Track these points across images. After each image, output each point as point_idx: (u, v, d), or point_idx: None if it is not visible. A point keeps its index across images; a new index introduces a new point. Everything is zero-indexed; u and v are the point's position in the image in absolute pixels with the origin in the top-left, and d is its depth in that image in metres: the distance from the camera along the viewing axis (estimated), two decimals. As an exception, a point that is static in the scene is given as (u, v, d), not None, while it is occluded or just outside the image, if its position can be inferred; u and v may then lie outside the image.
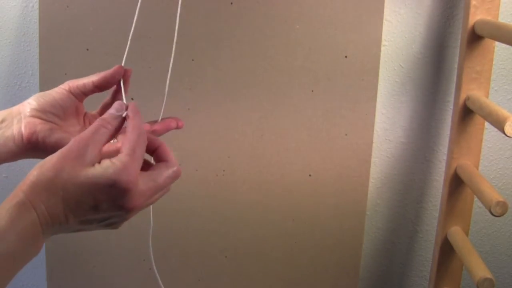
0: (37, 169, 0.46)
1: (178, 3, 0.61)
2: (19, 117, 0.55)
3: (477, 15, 0.84)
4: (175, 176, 0.51)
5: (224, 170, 0.95)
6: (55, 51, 0.89)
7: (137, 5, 0.62)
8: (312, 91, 0.92)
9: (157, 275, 0.65)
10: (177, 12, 0.61)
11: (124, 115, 0.51)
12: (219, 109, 0.93)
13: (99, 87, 0.59)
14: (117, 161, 0.46)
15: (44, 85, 0.90)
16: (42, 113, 0.56)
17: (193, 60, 0.90)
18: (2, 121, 0.55)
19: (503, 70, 0.96)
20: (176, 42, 0.62)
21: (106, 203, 0.46)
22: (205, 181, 0.96)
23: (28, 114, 0.55)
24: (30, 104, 0.56)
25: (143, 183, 0.47)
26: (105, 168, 0.45)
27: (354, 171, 0.95)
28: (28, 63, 0.94)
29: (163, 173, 0.50)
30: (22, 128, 0.55)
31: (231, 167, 0.95)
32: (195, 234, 0.98)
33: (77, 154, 0.46)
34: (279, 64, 0.91)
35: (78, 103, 0.59)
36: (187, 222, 0.98)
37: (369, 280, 1.09)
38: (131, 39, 0.59)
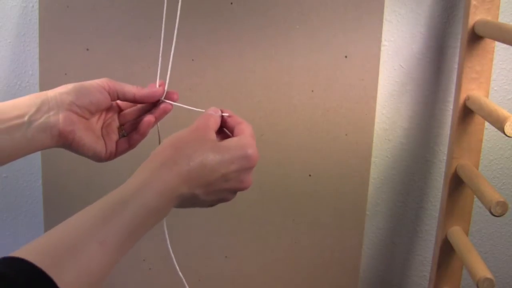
0: (174, 141, 0.50)
1: (178, 3, 0.61)
2: (56, 110, 0.54)
3: (477, 15, 0.84)
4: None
5: (224, 170, 0.95)
6: (55, 51, 0.89)
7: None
8: (312, 91, 0.92)
9: (176, 266, 0.65)
10: (177, 12, 0.61)
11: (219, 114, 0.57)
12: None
13: (138, 101, 0.60)
14: (242, 138, 0.52)
15: (44, 85, 0.90)
16: (80, 108, 0.56)
17: (193, 60, 0.90)
18: (38, 110, 0.54)
19: (503, 70, 0.96)
20: (176, 42, 0.62)
21: (234, 173, 0.51)
22: (205, 181, 0.95)
23: (66, 107, 0.55)
24: (69, 95, 0.55)
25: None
26: (236, 141, 0.52)
27: (354, 171, 0.95)
28: (28, 63, 0.94)
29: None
30: (60, 123, 0.54)
31: (231, 167, 0.95)
32: (195, 234, 0.98)
33: (205, 131, 0.52)
34: (279, 64, 0.91)
35: (109, 103, 0.59)
36: (187, 222, 0.98)
37: (369, 280, 1.09)
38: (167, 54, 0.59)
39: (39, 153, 0.98)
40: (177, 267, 0.65)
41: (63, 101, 0.55)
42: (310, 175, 0.96)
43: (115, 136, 0.61)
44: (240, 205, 0.97)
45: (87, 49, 0.89)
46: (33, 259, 0.37)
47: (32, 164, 1.00)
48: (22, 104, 0.54)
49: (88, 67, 0.90)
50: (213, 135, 0.53)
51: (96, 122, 0.59)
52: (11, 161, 0.55)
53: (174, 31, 0.62)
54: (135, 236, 0.44)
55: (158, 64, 0.63)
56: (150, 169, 0.47)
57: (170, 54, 0.62)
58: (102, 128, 0.60)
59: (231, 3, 0.89)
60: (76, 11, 0.88)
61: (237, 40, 0.90)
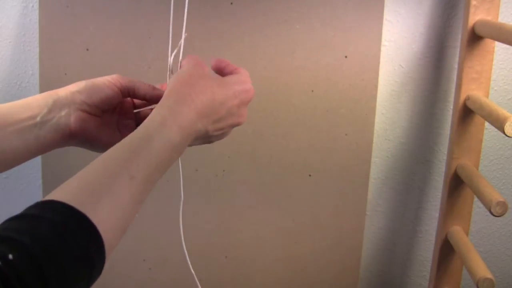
0: (185, 79, 0.51)
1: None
2: (68, 110, 0.54)
3: (477, 15, 0.84)
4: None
5: (224, 170, 0.95)
6: (55, 51, 0.89)
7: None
8: (312, 91, 0.92)
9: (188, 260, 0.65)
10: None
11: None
12: (219, 109, 0.93)
13: (148, 101, 0.60)
14: (239, 74, 0.55)
15: (44, 85, 0.90)
16: (91, 107, 0.55)
17: (193, 60, 0.90)
18: (49, 110, 0.54)
19: (503, 70, 0.96)
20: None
21: (235, 108, 0.53)
22: (205, 181, 0.96)
23: (78, 107, 0.55)
24: (80, 94, 0.55)
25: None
26: (235, 76, 0.54)
27: (354, 171, 0.95)
28: (28, 63, 0.94)
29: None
30: (72, 123, 0.54)
31: (231, 167, 0.95)
32: (195, 234, 0.98)
33: (203, 69, 0.53)
34: (279, 64, 0.91)
35: (121, 100, 0.59)
36: (187, 222, 0.98)
37: (369, 280, 1.09)
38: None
39: (39, 153, 0.98)
40: (190, 263, 0.65)
41: (75, 101, 0.55)
42: (310, 175, 0.96)
43: (133, 127, 0.60)
44: (240, 205, 0.97)
45: (87, 49, 0.89)
46: (65, 199, 0.38)
47: (32, 164, 1.00)
48: (34, 104, 0.53)
49: (88, 67, 0.90)
50: (212, 71, 0.55)
51: (111, 116, 0.59)
52: (24, 162, 0.55)
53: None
54: (160, 171, 0.46)
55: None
56: (168, 106, 0.48)
57: (170, 54, 0.62)
58: (118, 121, 0.60)
59: (231, 3, 0.89)
60: (76, 11, 0.88)
61: (237, 40, 0.90)
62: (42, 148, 0.54)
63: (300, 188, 0.96)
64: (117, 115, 0.60)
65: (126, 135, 0.59)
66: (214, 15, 0.89)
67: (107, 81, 0.57)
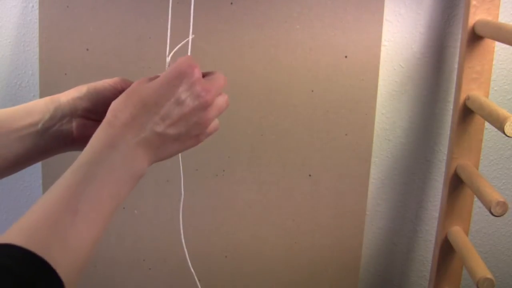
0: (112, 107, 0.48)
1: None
2: (69, 117, 0.54)
3: (477, 15, 0.84)
4: (224, 78, 0.52)
5: (224, 170, 0.95)
6: (55, 51, 0.89)
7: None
8: (312, 91, 0.92)
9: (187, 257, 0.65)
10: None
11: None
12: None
13: None
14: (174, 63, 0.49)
15: (44, 85, 0.90)
16: (93, 113, 0.55)
17: (193, 60, 0.90)
18: (51, 117, 0.53)
19: (503, 70, 0.96)
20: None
21: (185, 93, 0.47)
22: (205, 181, 0.96)
23: (79, 114, 0.54)
24: (82, 101, 0.54)
25: (204, 79, 0.50)
26: (169, 68, 0.48)
27: (354, 171, 0.95)
28: (28, 63, 0.94)
29: (215, 74, 0.52)
30: (74, 130, 0.54)
31: (231, 167, 0.95)
32: (195, 234, 0.98)
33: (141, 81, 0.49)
34: (279, 64, 0.91)
35: None
36: (187, 222, 0.98)
37: (369, 280, 1.09)
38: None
39: (39, 153, 0.98)
40: (190, 263, 0.65)
41: (76, 108, 0.54)
42: (310, 175, 0.96)
43: None
44: (240, 205, 0.97)
45: (87, 49, 0.89)
46: (21, 242, 0.37)
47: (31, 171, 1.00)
48: (35, 110, 0.53)
49: (88, 67, 0.90)
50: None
51: None
52: (25, 168, 0.54)
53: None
54: (109, 201, 0.43)
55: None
56: (97, 132, 0.47)
57: (182, 54, 0.62)
58: None
59: (231, 3, 0.89)
60: (76, 11, 0.88)
61: (237, 40, 0.90)
62: (43, 154, 0.54)
63: (300, 188, 0.96)
64: None
65: None
66: (214, 15, 0.89)
67: (109, 85, 0.56)
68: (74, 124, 0.54)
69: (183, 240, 0.64)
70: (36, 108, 0.53)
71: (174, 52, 0.60)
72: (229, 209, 0.97)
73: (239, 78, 0.91)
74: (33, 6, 0.91)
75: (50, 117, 0.53)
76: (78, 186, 0.42)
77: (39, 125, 0.53)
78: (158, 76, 0.49)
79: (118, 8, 0.88)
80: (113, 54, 0.89)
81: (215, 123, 0.53)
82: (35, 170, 1.00)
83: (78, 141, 0.55)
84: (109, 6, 0.88)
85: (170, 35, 0.62)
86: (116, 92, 0.56)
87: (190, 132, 0.49)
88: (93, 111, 0.55)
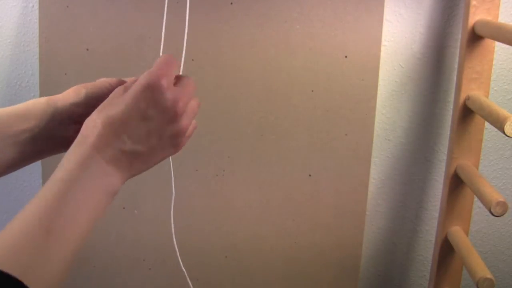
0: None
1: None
2: (66, 122, 0.53)
3: (477, 15, 0.84)
4: (193, 84, 0.51)
5: (224, 170, 0.95)
6: (55, 51, 0.89)
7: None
8: (312, 91, 0.92)
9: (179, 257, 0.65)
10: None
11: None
12: (219, 109, 0.93)
13: None
14: (144, 73, 0.47)
15: (44, 85, 0.90)
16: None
17: (193, 60, 0.90)
18: (47, 123, 0.53)
19: (503, 70, 0.96)
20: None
21: (152, 109, 0.46)
22: (205, 181, 0.96)
23: (76, 119, 0.54)
24: (79, 107, 0.53)
25: (174, 87, 0.48)
26: (136, 81, 0.47)
27: (354, 171, 0.95)
28: (28, 63, 0.94)
29: (184, 79, 0.50)
30: (69, 134, 0.53)
31: (231, 167, 0.95)
32: (195, 234, 0.98)
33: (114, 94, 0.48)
34: (279, 64, 0.91)
35: None
36: (187, 222, 0.98)
37: (369, 280, 1.09)
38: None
39: (39, 153, 0.98)
40: (181, 262, 0.65)
41: (73, 113, 0.54)
42: (310, 175, 0.96)
43: None
44: (240, 205, 0.97)
45: (87, 49, 0.89)
46: None
47: (32, 164, 1.00)
48: (31, 115, 0.53)
49: (88, 67, 0.90)
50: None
51: None
52: (20, 168, 0.54)
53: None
54: (83, 219, 0.43)
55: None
56: (72, 150, 0.46)
57: (180, 54, 0.62)
58: None
59: (231, 3, 0.89)
60: (76, 11, 0.88)
61: (237, 40, 0.90)
62: (38, 157, 0.54)
63: (300, 188, 0.96)
64: None
65: None
66: (214, 15, 0.89)
67: (106, 89, 0.55)
68: (70, 129, 0.54)
69: (174, 240, 0.64)
70: (32, 112, 0.53)
71: (173, 53, 0.60)
72: (229, 209, 0.97)
73: (239, 78, 0.91)
74: (33, 6, 0.91)
75: (46, 122, 0.53)
76: (51, 205, 0.42)
77: (36, 130, 0.52)
78: (136, 80, 0.48)
79: (118, 8, 0.88)
80: (113, 54, 0.89)
81: (192, 126, 0.52)
82: (35, 170, 1.00)
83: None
84: (109, 6, 0.88)
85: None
86: None
87: (165, 144, 0.48)
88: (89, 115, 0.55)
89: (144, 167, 0.48)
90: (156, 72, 0.46)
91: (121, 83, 0.56)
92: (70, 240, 0.42)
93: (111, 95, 0.48)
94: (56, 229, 0.41)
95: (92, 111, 0.53)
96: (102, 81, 0.55)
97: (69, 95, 0.54)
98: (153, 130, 0.47)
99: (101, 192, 0.45)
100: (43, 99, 0.54)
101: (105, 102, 0.48)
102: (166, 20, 0.89)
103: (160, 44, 0.89)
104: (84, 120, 0.53)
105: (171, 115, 0.47)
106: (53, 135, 0.53)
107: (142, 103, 0.46)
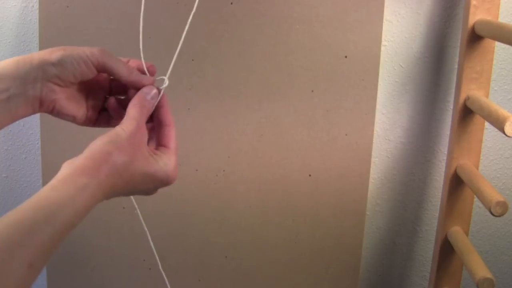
0: (112, 148, 0.50)
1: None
2: (40, 81, 0.53)
3: (477, 15, 0.84)
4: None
5: (224, 170, 0.95)
6: (55, 51, 0.89)
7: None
8: (312, 91, 0.92)
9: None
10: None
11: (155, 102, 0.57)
12: (219, 109, 0.93)
13: (126, 85, 0.58)
14: (169, 161, 0.55)
15: (44, 85, 0.90)
16: (62, 81, 0.54)
17: (193, 60, 0.90)
18: (21, 83, 0.52)
19: (503, 70, 0.96)
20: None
21: (154, 188, 0.55)
22: (205, 181, 0.96)
23: (49, 78, 0.54)
24: (53, 67, 0.53)
25: (175, 170, 0.57)
26: (163, 165, 0.54)
27: (354, 171, 0.95)
28: (28, 63, 0.94)
29: (171, 140, 0.57)
30: (42, 95, 0.54)
31: (231, 167, 0.95)
32: (195, 234, 0.98)
33: (141, 141, 0.53)
34: (279, 64, 0.91)
35: (94, 75, 0.57)
36: (187, 222, 0.98)
37: (369, 280, 1.09)
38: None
39: (39, 153, 0.98)
40: (160, 265, 0.65)
41: (47, 73, 0.54)
42: (310, 175, 0.96)
43: (99, 105, 0.60)
44: (240, 205, 0.97)
45: (87, 49, 0.89)
46: None
47: (32, 164, 1.00)
48: (6, 75, 0.52)
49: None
50: (145, 146, 0.54)
51: (79, 89, 0.58)
52: None
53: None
54: (56, 247, 0.44)
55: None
56: (74, 183, 0.47)
57: (170, 54, 0.62)
58: (87, 97, 0.59)
59: (231, 3, 0.89)
60: (76, 11, 0.88)
61: (237, 40, 0.90)
62: (11, 119, 0.54)
63: (300, 188, 0.96)
64: (89, 88, 0.59)
65: (92, 113, 0.59)
66: (214, 15, 0.89)
67: (85, 55, 0.54)
68: (43, 89, 0.54)
69: (150, 239, 0.64)
70: (6, 72, 0.52)
71: (173, 52, 0.60)
72: (229, 209, 0.97)
73: (239, 78, 0.91)
74: (33, 6, 0.91)
75: (20, 83, 0.53)
76: (33, 239, 0.41)
77: (10, 91, 0.52)
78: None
79: (118, 8, 0.88)
80: (113, 54, 0.89)
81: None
82: (35, 170, 1.00)
83: (46, 104, 0.55)
84: (109, 6, 0.88)
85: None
86: (89, 64, 0.55)
87: (153, 190, 0.56)
88: (62, 78, 0.54)
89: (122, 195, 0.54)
90: (175, 173, 0.55)
91: (101, 54, 0.56)
92: (41, 269, 0.43)
93: (126, 136, 0.52)
94: (37, 266, 0.41)
95: (66, 72, 0.54)
96: (82, 50, 0.55)
97: (46, 53, 0.54)
98: (148, 191, 0.55)
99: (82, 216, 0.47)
100: (16, 58, 0.54)
101: (119, 140, 0.51)
102: (166, 20, 0.89)
103: (161, 44, 0.89)
104: (56, 80, 0.54)
105: (166, 184, 0.56)
106: (26, 95, 0.53)
107: (152, 184, 0.54)
